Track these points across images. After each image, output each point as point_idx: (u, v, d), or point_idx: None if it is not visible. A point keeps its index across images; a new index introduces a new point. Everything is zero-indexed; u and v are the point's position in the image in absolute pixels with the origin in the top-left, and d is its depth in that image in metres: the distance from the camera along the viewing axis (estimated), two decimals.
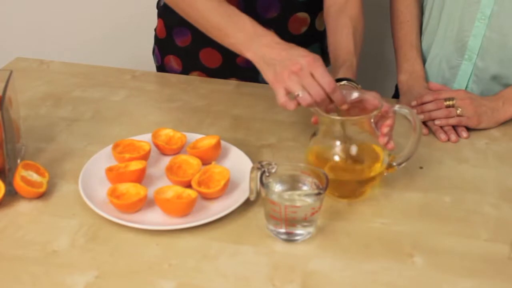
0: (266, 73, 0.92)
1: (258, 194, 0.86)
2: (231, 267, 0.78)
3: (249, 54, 0.94)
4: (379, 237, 0.84)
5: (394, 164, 0.91)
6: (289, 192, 0.85)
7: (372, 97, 0.90)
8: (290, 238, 0.83)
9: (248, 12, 1.20)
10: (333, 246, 0.82)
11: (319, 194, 0.82)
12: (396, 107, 0.89)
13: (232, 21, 0.98)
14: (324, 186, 0.81)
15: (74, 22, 1.99)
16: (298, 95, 0.87)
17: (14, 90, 0.97)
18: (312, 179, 0.84)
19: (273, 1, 1.20)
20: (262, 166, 0.83)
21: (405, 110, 0.88)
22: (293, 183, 0.86)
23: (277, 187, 0.85)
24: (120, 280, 0.76)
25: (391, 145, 0.90)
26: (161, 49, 1.35)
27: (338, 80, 0.97)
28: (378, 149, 0.90)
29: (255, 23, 0.96)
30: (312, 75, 0.87)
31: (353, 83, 0.97)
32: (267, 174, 0.83)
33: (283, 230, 0.82)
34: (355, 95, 0.91)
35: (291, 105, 0.88)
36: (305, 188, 0.85)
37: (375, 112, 0.87)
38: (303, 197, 0.84)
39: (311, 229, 0.83)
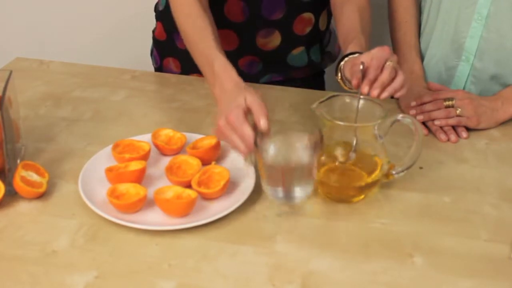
0: None
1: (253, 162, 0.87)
2: (231, 267, 0.78)
3: (215, 94, 0.96)
4: (379, 237, 0.84)
5: (393, 172, 0.91)
6: (284, 152, 0.84)
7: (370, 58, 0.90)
8: (289, 200, 0.83)
9: (253, 15, 1.20)
10: (333, 246, 0.82)
11: (315, 149, 0.81)
12: (399, 116, 0.88)
13: (205, 54, 1.00)
14: (319, 141, 0.81)
15: (74, 22, 1.99)
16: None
17: (14, 90, 0.97)
18: (307, 136, 0.85)
19: (278, 2, 1.20)
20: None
21: (407, 120, 0.88)
22: (288, 144, 0.86)
23: (272, 149, 0.85)
24: (120, 280, 0.76)
25: (383, 95, 0.89)
26: (160, 51, 1.35)
27: (347, 55, 0.98)
28: (378, 156, 0.89)
29: (225, 61, 0.97)
30: (235, 130, 0.87)
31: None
32: (260, 137, 0.84)
33: (281, 192, 0.82)
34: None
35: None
36: (299, 146, 0.85)
37: (379, 121, 0.87)
38: (300, 155, 0.84)
39: (309, 189, 0.83)
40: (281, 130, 0.86)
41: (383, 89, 0.88)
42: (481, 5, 1.12)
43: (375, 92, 0.87)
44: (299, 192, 0.83)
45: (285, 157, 0.84)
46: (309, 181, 0.83)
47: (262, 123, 0.85)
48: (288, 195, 0.83)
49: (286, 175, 0.80)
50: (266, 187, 0.85)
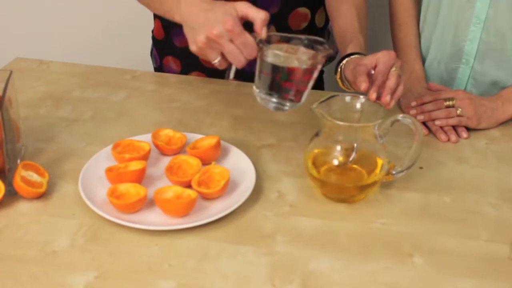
0: (187, 39, 0.89)
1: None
2: (231, 267, 0.78)
3: (177, 17, 0.91)
4: (379, 237, 0.84)
5: (393, 172, 0.91)
6: (285, 58, 0.85)
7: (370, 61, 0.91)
8: (281, 105, 0.84)
9: None
10: (333, 246, 0.82)
11: (317, 60, 0.83)
12: (399, 116, 0.88)
13: None
14: (327, 41, 0.84)
15: (74, 22, 1.99)
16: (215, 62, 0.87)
17: (14, 90, 0.97)
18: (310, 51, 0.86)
19: None
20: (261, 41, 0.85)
21: (407, 120, 0.88)
22: (290, 51, 0.87)
23: (273, 54, 0.85)
24: (120, 280, 0.76)
25: (391, 103, 0.90)
26: (160, 50, 1.35)
27: (348, 56, 0.97)
28: (378, 156, 0.89)
29: None
30: (232, 41, 0.85)
31: (363, 56, 0.97)
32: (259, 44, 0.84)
33: (276, 98, 0.84)
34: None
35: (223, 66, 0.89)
36: (302, 53, 0.85)
37: (379, 120, 0.87)
38: (301, 62, 0.85)
39: (303, 98, 0.86)
40: (281, 38, 0.86)
41: (392, 96, 0.89)
42: (479, 9, 1.12)
43: (387, 98, 0.88)
44: (291, 100, 0.84)
45: (286, 62, 0.83)
46: (304, 91, 0.84)
47: (264, 32, 0.84)
48: (281, 102, 0.83)
49: (288, 79, 0.79)
50: (258, 92, 0.84)
